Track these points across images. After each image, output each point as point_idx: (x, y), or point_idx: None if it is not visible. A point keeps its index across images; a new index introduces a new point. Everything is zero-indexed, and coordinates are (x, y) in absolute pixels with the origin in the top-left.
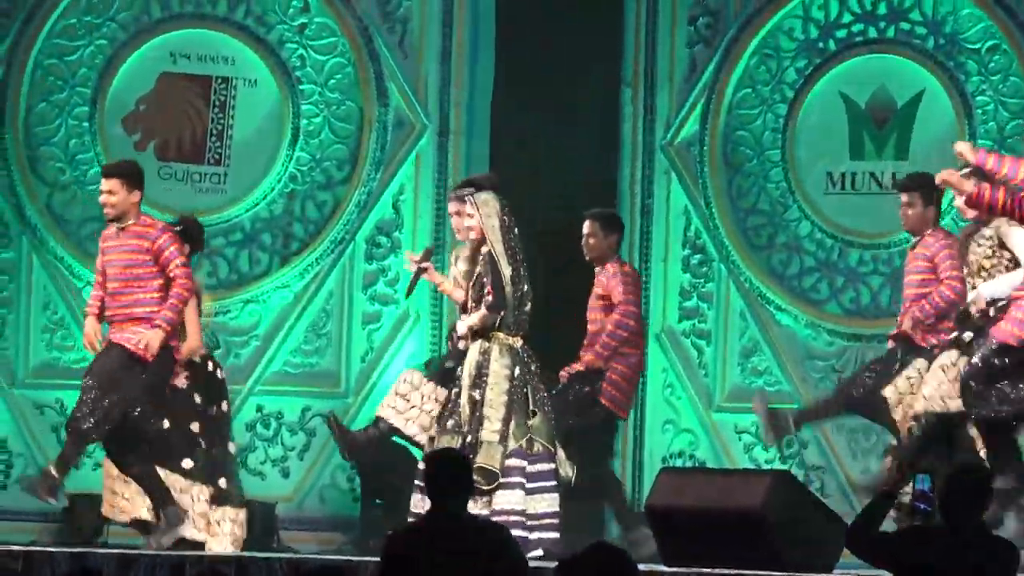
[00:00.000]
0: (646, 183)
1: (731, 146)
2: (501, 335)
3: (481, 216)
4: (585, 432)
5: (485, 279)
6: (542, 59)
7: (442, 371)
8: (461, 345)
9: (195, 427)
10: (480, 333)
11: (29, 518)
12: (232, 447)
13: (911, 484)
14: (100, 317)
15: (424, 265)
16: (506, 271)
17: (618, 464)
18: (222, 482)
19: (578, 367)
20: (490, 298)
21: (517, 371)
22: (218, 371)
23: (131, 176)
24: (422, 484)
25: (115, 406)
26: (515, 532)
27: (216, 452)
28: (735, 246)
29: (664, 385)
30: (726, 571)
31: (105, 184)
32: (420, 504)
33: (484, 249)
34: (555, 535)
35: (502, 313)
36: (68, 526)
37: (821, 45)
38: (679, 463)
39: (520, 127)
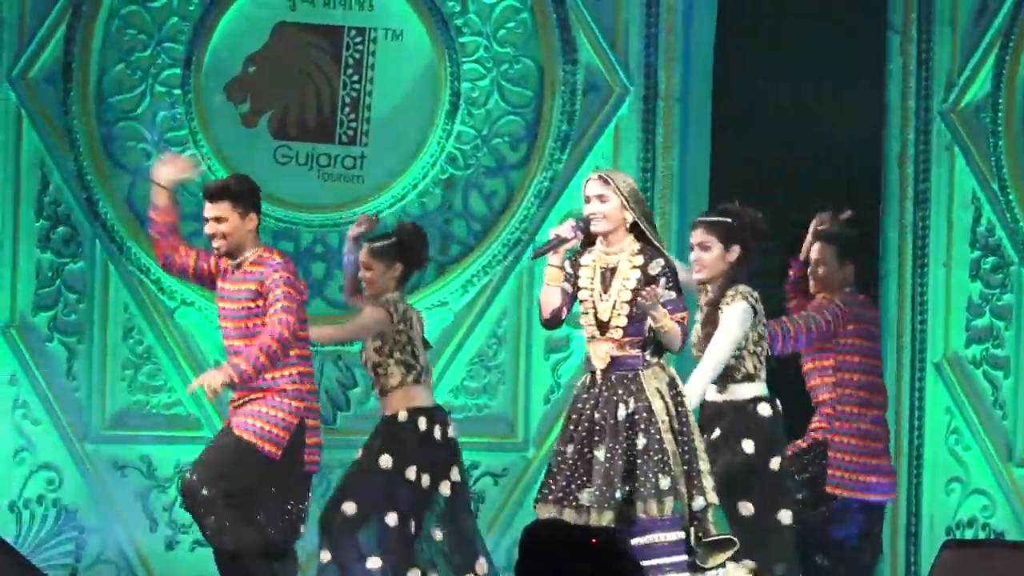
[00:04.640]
0: (920, 162)
1: None
2: (664, 363)
3: (629, 201)
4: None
5: (667, 286)
6: None
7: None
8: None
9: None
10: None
11: None
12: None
13: None
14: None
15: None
16: None
17: (887, 535)
18: (480, 566)
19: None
20: (684, 315)
21: None
22: (435, 430)
23: (244, 196)
24: None
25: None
26: None
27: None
28: None
29: (948, 431)
30: None
31: (211, 209)
32: None
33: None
34: None
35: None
36: None
37: None
38: (968, 534)
39: (752, 89)
